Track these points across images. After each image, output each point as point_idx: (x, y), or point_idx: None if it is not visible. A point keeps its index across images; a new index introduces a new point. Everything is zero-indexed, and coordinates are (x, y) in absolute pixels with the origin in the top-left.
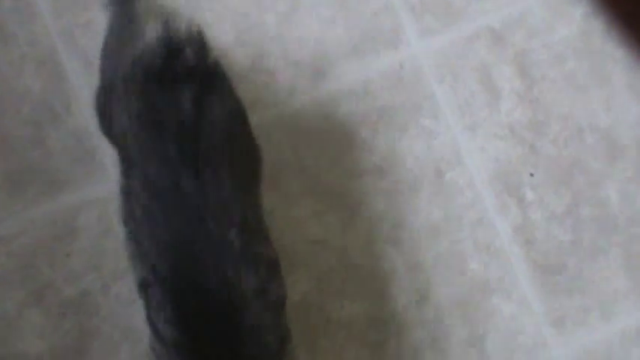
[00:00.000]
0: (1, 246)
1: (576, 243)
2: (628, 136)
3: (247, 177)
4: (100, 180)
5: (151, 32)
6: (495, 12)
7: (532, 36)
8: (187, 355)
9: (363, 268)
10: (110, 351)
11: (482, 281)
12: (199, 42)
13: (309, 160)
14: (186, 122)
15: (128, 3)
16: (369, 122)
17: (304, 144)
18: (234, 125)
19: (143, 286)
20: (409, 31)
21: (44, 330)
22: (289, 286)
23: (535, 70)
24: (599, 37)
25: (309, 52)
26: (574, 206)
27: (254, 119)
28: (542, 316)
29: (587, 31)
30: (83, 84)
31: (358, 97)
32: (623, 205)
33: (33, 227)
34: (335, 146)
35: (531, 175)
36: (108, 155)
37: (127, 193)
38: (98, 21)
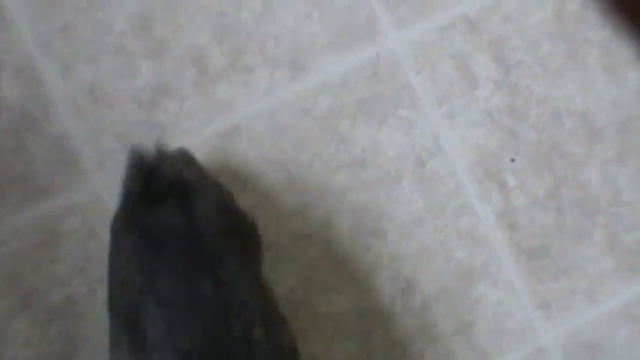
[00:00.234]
0: None
1: (559, 226)
2: (606, 118)
3: (254, 262)
4: (82, 185)
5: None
6: (470, 0)
7: (506, 22)
8: None
9: (348, 260)
10: (98, 356)
11: (468, 268)
12: (172, 157)
13: (289, 155)
14: (182, 231)
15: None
16: (347, 115)
17: (284, 140)
18: (228, 217)
19: None
20: (384, 23)
21: (31, 338)
22: (275, 282)
23: (511, 56)
24: (573, 21)
25: (286, 49)
26: (556, 190)
27: (233, 118)
28: (528, 301)
29: (561, 15)
30: (61, 89)
31: (336, 91)
32: (604, 187)
33: (16, 236)
34: (314, 141)
35: (512, 160)
36: (89, 160)
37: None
38: (74, 26)
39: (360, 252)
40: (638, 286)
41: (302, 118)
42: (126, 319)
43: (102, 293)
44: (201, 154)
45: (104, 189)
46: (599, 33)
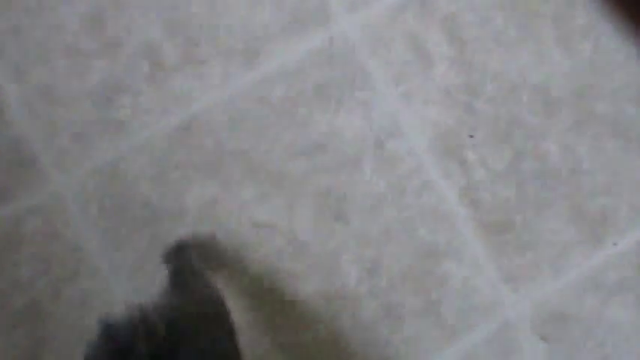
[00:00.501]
0: None
1: (521, 199)
2: (562, 88)
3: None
4: (41, 186)
5: None
6: None
7: None
8: None
9: (313, 245)
10: (66, 354)
11: (432, 246)
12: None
13: (248, 144)
14: None
15: None
16: (304, 100)
17: (242, 128)
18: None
19: None
20: (335, 8)
21: None
22: (240, 272)
23: (464, 33)
24: None
25: (239, 38)
26: (516, 162)
27: (191, 110)
28: (494, 275)
29: None
30: (15, 92)
31: (291, 77)
32: (563, 157)
33: None
34: (273, 128)
35: (471, 136)
36: (47, 161)
37: None
38: (25, 27)
39: (324, 236)
40: (602, 254)
41: (259, 106)
42: None
43: (66, 292)
44: (159, 148)
45: (64, 188)
46: (551, 4)
